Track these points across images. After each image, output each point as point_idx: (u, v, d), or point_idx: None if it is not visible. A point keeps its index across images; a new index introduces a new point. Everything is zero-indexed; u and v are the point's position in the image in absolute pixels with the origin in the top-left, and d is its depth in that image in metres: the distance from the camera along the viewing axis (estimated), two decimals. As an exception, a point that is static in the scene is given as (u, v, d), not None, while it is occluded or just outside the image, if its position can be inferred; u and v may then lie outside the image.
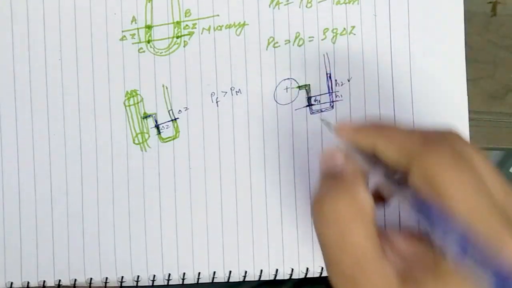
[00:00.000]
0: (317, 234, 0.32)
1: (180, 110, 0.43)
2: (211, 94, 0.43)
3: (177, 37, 0.43)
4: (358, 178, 0.32)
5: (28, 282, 0.43)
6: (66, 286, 0.43)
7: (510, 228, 0.26)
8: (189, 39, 0.43)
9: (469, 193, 0.27)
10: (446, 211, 0.27)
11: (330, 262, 0.31)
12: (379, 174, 0.32)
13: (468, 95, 0.43)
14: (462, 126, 0.43)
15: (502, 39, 0.45)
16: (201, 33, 0.43)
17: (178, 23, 0.43)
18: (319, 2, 0.43)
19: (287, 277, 0.43)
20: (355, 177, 0.32)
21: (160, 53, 0.43)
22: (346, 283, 0.30)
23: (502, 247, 0.26)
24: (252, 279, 0.43)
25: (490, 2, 0.45)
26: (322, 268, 0.43)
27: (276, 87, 0.43)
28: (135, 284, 0.43)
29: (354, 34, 0.44)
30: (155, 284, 0.43)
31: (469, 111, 0.43)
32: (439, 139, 0.29)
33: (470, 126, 0.43)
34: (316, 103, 0.43)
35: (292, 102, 0.43)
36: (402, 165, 0.29)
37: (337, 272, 0.30)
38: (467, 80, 0.43)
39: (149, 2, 0.43)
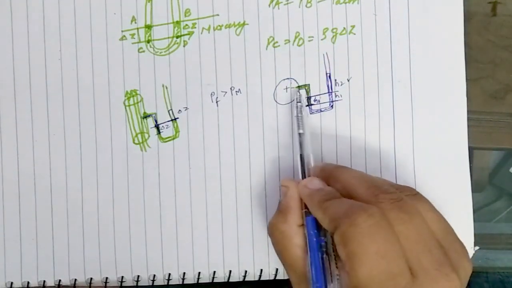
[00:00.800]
0: None
1: (180, 110, 0.43)
2: (211, 94, 0.43)
3: (177, 37, 0.43)
4: (289, 211, 0.38)
5: (28, 282, 0.43)
6: (66, 286, 0.43)
7: None
8: (189, 39, 0.43)
9: (371, 258, 0.32)
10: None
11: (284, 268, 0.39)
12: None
13: (468, 95, 0.43)
14: (461, 126, 0.43)
15: (502, 39, 0.45)
16: (201, 33, 0.43)
17: (178, 23, 0.43)
18: (318, 1, 0.43)
19: (287, 277, 0.43)
20: (287, 211, 0.38)
21: (160, 53, 0.43)
22: (293, 285, 0.38)
23: None
24: (252, 279, 0.43)
25: (490, 2, 0.45)
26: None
27: (276, 86, 0.43)
28: (135, 284, 0.43)
29: (354, 34, 0.43)
30: (155, 284, 0.43)
31: (469, 111, 0.43)
32: (360, 208, 0.33)
33: (470, 126, 0.43)
34: (315, 102, 0.43)
35: (291, 101, 0.43)
36: (331, 231, 0.34)
37: (288, 276, 0.38)
38: (467, 80, 0.43)
39: (148, 2, 0.43)
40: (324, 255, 0.36)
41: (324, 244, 0.36)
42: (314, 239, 0.36)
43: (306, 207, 0.38)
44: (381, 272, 0.31)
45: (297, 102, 0.42)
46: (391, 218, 0.33)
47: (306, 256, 0.36)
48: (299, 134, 0.41)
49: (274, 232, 0.38)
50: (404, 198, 0.35)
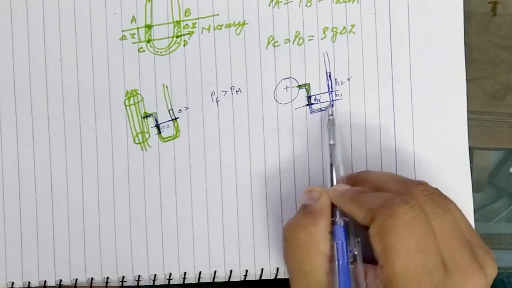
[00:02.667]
0: (283, 256, 0.38)
1: (180, 110, 0.43)
2: (211, 94, 0.43)
3: (177, 37, 0.43)
4: (322, 216, 0.37)
5: (29, 282, 0.43)
6: (67, 286, 0.43)
7: None
8: (189, 39, 0.43)
9: (409, 252, 0.31)
10: None
11: (291, 281, 0.37)
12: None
13: (468, 95, 0.43)
14: (461, 126, 0.43)
15: (502, 39, 0.45)
16: (201, 33, 0.43)
17: (178, 22, 0.43)
18: (318, 1, 0.43)
19: (287, 276, 0.43)
20: (319, 214, 0.37)
21: (160, 52, 0.43)
22: None
23: None
24: (253, 278, 0.43)
25: (490, 2, 0.45)
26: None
27: (276, 86, 0.43)
28: (136, 284, 0.43)
29: (354, 33, 0.43)
30: (156, 283, 0.43)
31: (469, 111, 0.43)
32: (400, 200, 0.33)
33: (470, 126, 0.43)
34: (316, 102, 0.43)
35: (292, 101, 0.43)
36: (367, 223, 0.34)
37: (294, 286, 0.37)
38: (467, 80, 0.43)
39: (148, 1, 0.43)
40: (351, 266, 0.35)
41: (352, 255, 0.35)
42: (344, 248, 0.35)
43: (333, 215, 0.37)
44: (418, 267, 0.31)
45: (329, 115, 0.42)
46: (427, 211, 0.33)
47: (327, 266, 0.35)
48: (330, 145, 0.41)
49: (299, 233, 0.36)
50: (434, 192, 0.35)
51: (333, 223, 0.37)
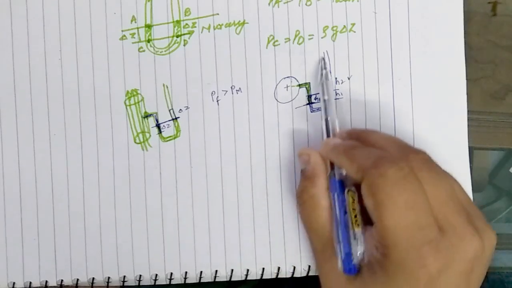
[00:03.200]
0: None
1: (180, 109, 0.43)
2: (212, 93, 0.43)
3: (177, 36, 0.43)
4: (317, 176, 0.39)
5: (30, 283, 0.43)
6: (68, 286, 0.43)
7: (429, 246, 0.32)
8: (189, 38, 0.43)
9: (399, 208, 0.32)
10: None
11: (309, 241, 0.40)
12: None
13: (468, 95, 0.43)
14: (461, 126, 0.43)
15: (502, 39, 0.45)
16: (201, 32, 0.43)
17: (178, 22, 0.43)
18: (318, -1, 0.43)
19: (289, 275, 0.43)
20: (313, 176, 0.39)
21: (160, 52, 0.43)
22: (316, 254, 0.39)
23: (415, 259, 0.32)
24: (254, 278, 0.43)
25: (490, 2, 0.45)
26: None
27: (277, 85, 0.43)
28: (137, 284, 0.43)
29: (354, 32, 0.43)
30: (157, 283, 0.43)
31: (469, 111, 0.43)
32: (390, 160, 0.33)
33: (470, 126, 0.43)
34: (316, 101, 0.43)
35: (292, 100, 0.43)
36: (358, 180, 0.35)
37: (312, 247, 0.40)
38: (467, 80, 0.43)
39: (148, 1, 0.43)
40: (348, 216, 0.36)
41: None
42: (340, 199, 0.37)
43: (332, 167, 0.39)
44: (409, 223, 0.32)
45: (322, 69, 0.42)
46: (420, 176, 0.33)
47: (332, 219, 0.38)
48: (324, 100, 0.41)
49: (303, 196, 0.39)
50: (433, 162, 0.35)
51: (329, 177, 0.39)
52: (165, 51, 0.43)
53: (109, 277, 0.43)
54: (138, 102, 0.43)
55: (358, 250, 0.35)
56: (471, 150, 0.44)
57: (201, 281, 0.43)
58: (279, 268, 0.43)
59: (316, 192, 0.39)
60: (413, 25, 0.43)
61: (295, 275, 0.43)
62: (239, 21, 0.43)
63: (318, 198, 0.38)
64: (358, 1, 0.43)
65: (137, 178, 0.43)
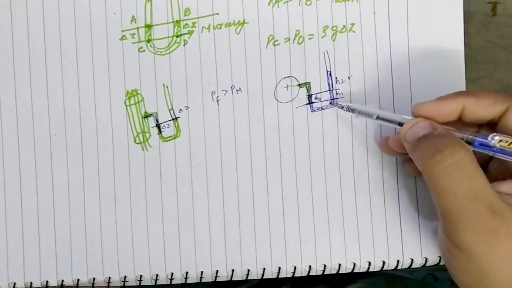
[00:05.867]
0: (432, 183, 0.35)
1: (180, 109, 0.43)
2: (212, 93, 0.43)
3: (177, 36, 0.43)
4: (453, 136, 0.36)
5: (31, 283, 0.43)
6: (69, 286, 0.43)
7: None
8: (189, 38, 0.43)
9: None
10: None
11: (440, 201, 0.35)
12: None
13: (468, 95, 0.43)
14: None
15: (502, 39, 0.45)
16: (201, 32, 0.43)
17: (178, 22, 0.43)
18: (318, -1, 0.43)
19: (289, 275, 0.43)
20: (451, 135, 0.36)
21: (160, 52, 0.43)
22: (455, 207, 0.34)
23: None
24: (255, 278, 0.43)
25: (490, 2, 0.45)
26: (325, 266, 0.43)
27: (277, 85, 0.43)
28: (138, 284, 0.43)
29: (354, 32, 0.44)
30: (158, 283, 0.43)
31: (470, 111, 0.43)
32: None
33: (470, 125, 0.43)
34: (316, 101, 0.43)
35: (292, 100, 0.43)
36: (496, 113, 0.36)
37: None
38: (467, 80, 0.43)
39: (148, 1, 0.43)
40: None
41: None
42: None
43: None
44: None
45: (342, 108, 0.43)
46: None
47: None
48: (377, 118, 0.41)
49: (446, 152, 0.35)
50: None
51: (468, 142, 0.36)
52: (165, 51, 0.43)
53: (109, 277, 0.43)
54: (138, 102, 0.43)
55: None
56: (471, 149, 0.44)
57: (202, 281, 0.43)
58: (279, 268, 0.43)
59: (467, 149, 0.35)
60: (412, 25, 0.43)
61: (295, 275, 0.43)
62: (239, 21, 0.43)
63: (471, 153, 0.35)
64: (357, 1, 0.43)
65: (137, 178, 0.43)
